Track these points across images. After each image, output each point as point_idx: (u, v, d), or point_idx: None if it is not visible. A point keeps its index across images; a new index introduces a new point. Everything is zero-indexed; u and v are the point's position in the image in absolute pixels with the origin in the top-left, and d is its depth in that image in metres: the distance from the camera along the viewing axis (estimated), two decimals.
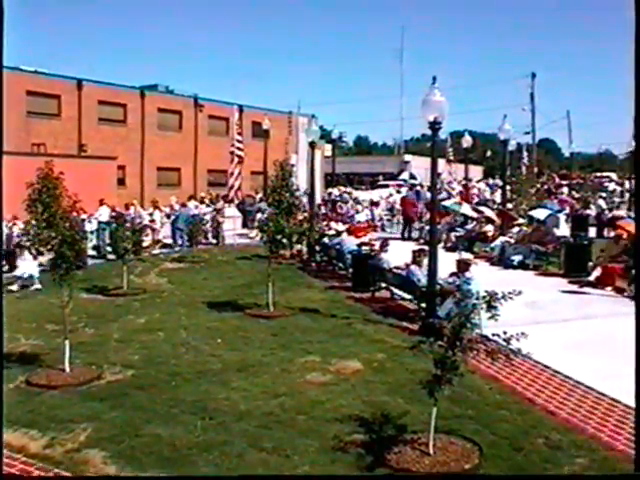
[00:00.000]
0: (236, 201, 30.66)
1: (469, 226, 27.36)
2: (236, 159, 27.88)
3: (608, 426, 8.74)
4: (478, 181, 60.65)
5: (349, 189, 49.79)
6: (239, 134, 28.96)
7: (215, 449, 8.07)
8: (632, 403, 8.98)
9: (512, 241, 23.05)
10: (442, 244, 24.77)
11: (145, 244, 20.77)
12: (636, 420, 6.67)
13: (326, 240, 22.51)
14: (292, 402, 9.63)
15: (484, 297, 7.41)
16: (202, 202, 31.24)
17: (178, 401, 9.71)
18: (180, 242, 26.85)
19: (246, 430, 8.63)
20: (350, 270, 19.58)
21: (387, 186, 54.23)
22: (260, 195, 34.88)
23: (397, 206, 38.60)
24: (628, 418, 8.83)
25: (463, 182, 44.41)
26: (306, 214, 19.11)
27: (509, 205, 30.15)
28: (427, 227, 23.75)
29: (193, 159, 49.64)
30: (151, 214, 28.47)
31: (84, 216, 22.97)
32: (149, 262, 22.54)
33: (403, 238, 29.29)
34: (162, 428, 8.69)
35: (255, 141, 43.70)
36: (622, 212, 33.02)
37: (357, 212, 34.71)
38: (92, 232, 24.86)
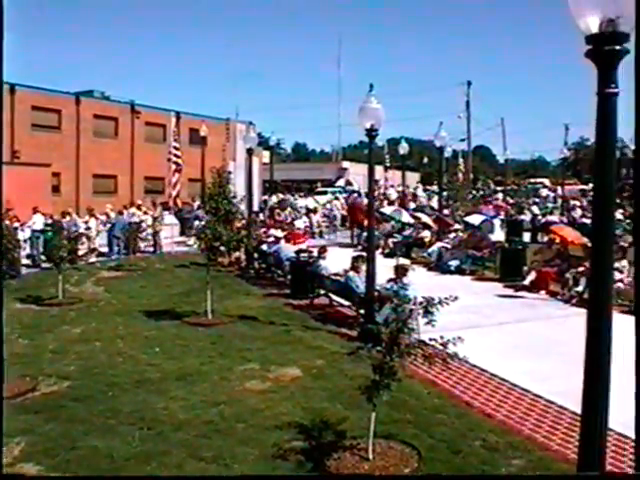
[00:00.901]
0: (175, 209, 30.44)
1: (407, 232, 27.62)
2: (173, 166, 27.71)
3: (543, 427, 8.91)
4: (415, 187, 61.20)
5: (295, 195, 49.79)
6: (176, 141, 28.80)
7: (153, 460, 7.97)
8: (566, 404, 9.24)
9: (449, 246, 23.37)
10: (380, 250, 24.99)
11: (81, 252, 20.45)
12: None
13: (264, 247, 22.48)
14: (231, 410, 9.58)
15: (421, 303, 7.50)
16: (139, 209, 30.91)
17: (115, 412, 9.57)
18: (117, 250, 26.52)
19: (185, 440, 8.56)
20: (288, 277, 19.59)
21: (325, 193, 54.37)
22: (198, 202, 34.67)
23: (336, 212, 38.79)
24: (562, 419, 9.03)
25: (400, 188, 44.79)
26: (244, 221, 19.03)
27: (446, 211, 30.56)
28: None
29: (130, 166, 49.05)
30: (87, 222, 28.05)
31: (17, 224, 22.54)
32: (85, 271, 22.18)
33: (354, 245, 29.14)
34: (99, 440, 8.55)
35: (192, 148, 43.36)
36: (555, 217, 33.78)
37: (296, 218, 34.71)
38: (25, 240, 24.36)
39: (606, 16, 4.60)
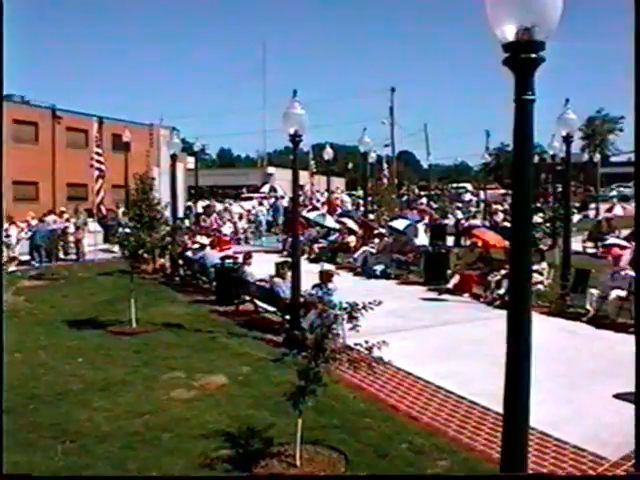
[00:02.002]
0: (99, 215, 29.92)
1: (332, 237, 27.71)
2: (96, 172, 27.24)
3: (468, 428, 9.04)
4: (341, 192, 61.48)
5: (229, 201, 49.41)
6: (99, 147, 28.32)
7: (76, 474, 7.80)
8: (489, 405, 9.39)
9: (374, 251, 23.53)
10: (306, 256, 25.03)
11: None
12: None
13: (189, 254, 22.28)
14: (157, 420, 9.45)
15: (345, 308, 7.53)
16: (61, 216, 30.29)
17: (37, 425, 9.34)
18: (38, 259, 25.93)
19: (109, 452, 8.40)
20: (214, 284, 19.46)
21: (251, 198, 54.18)
22: (122, 209, 34.14)
23: (262, 218, 38.71)
24: (486, 419, 9.17)
25: (326, 194, 44.96)
26: (168, 228, 18.83)
27: (371, 216, 30.79)
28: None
29: (51, 172, 48.03)
30: (7, 230, 27.33)
31: None
32: (5, 280, 21.61)
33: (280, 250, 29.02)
34: (20, 455, 8.30)
35: (116, 154, 42.65)
36: (477, 221, 34.37)
37: (221, 225, 34.48)
38: None
39: (522, 25, 4.71)
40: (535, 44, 4.75)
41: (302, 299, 13.40)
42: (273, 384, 10.66)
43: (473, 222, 33.33)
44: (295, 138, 13.28)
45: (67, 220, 29.71)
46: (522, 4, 4.68)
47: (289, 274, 14.43)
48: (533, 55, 4.76)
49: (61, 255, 27.78)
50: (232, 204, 45.85)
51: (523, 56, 4.75)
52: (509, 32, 4.74)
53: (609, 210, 34.15)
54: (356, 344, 7.73)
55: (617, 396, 10.11)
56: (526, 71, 4.82)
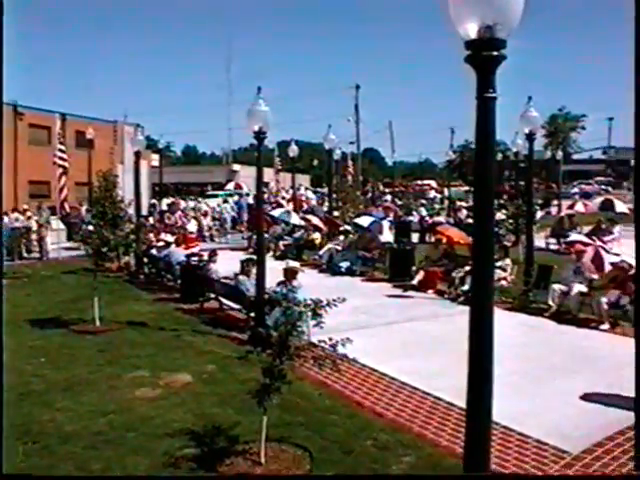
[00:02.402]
0: (62, 213, 29.62)
1: (297, 234, 27.72)
2: (60, 170, 26.97)
3: (432, 423, 9.10)
4: (305, 189, 61.56)
5: (198, 198, 49.16)
6: (62, 144, 28.03)
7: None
8: (454, 400, 9.45)
9: (339, 248, 23.57)
10: (271, 253, 25.04)
11: None
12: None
13: (154, 252, 22.14)
14: (121, 419, 9.38)
15: (309, 305, 7.53)
16: (23, 214, 29.95)
17: None
18: None
19: (73, 452, 8.31)
20: (179, 281, 19.36)
21: (216, 196, 54.01)
22: (85, 207, 33.85)
23: (227, 215, 38.58)
24: (451, 415, 9.24)
25: (291, 191, 44.98)
26: (132, 226, 18.70)
27: (336, 213, 30.85)
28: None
29: (13, 170, 47.40)
30: None
31: None
32: None
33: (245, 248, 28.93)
34: None
35: (79, 151, 42.30)
36: (442, 218, 34.60)
37: (187, 222, 34.30)
38: None
39: (484, 23, 4.73)
40: (497, 42, 4.77)
41: (267, 296, 13.37)
42: (238, 382, 10.63)
43: (437, 219, 33.57)
44: (259, 135, 13.24)
45: (29, 218, 29.39)
46: (484, 2, 4.70)
47: (254, 271, 14.41)
48: (495, 53, 4.78)
49: (24, 254, 27.47)
50: (201, 201, 45.77)
51: (485, 54, 4.77)
52: (471, 30, 4.76)
53: (571, 207, 34.53)
54: (320, 341, 7.73)
55: (578, 390, 10.25)
56: (488, 69, 4.84)
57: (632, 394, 9.95)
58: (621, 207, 31.25)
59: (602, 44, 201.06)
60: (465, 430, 5.50)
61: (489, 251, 5.29)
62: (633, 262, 14.66)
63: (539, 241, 26.08)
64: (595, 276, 15.13)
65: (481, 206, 5.21)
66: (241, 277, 15.31)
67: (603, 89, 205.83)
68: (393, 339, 13.61)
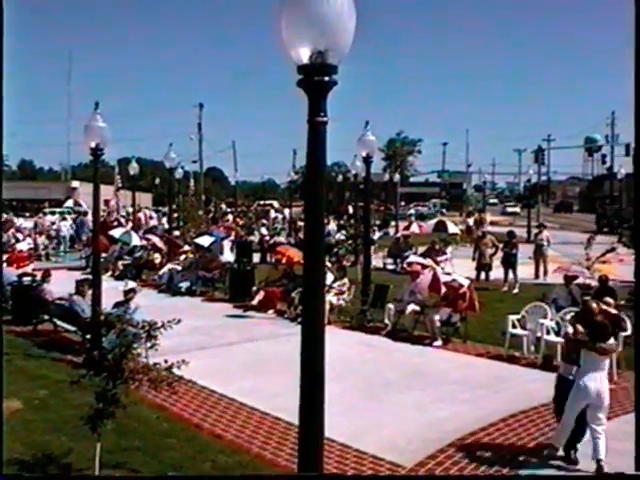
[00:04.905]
0: None
1: (137, 254, 27.18)
2: None
3: (271, 444, 9.17)
4: (147, 208, 60.48)
5: (39, 214, 47.10)
6: None
7: None
8: (292, 420, 9.44)
9: (179, 268, 23.31)
10: (110, 273, 24.46)
11: None
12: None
13: None
14: None
15: (144, 327, 7.41)
16: None
17: None
18: None
19: None
20: (10, 303, 18.49)
21: (53, 213, 52.13)
22: None
23: (65, 233, 37.26)
24: (289, 434, 9.26)
25: (131, 209, 44.11)
26: None
27: (177, 232, 30.49)
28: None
29: None
30: None
31: None
32: None
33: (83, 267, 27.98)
34: None
35: None
36: (282, 238, 34.86)
37: (18, 240, 32.80)
38: None
39: (316, 48, 4.82)
40: (328, 67, 4.86)
41: (104, 317, 13.01)
42: (72, 407, 10.24)
43: (278, 239, 33.79)
44: (97, 152, 12.96)
45: None
46: (316, 28, 4.77)
47: (90, 292, 14.01)
48: (326, 78, 4.88)
49: None
50: (42, 217, 44.06)
51: (316, 79, 4.85)
52: (303, 54, 4.84)
53: (407, 228, 35.69)
54: (156, 364, 7.61)
55: (412, 405, 10.59)
56: (319, 93, 4.93)
57: (461, 407, 10.45)
58: (453, 228, 32.59)
59: (440, 70, 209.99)
60: (298, 448, 5.52)
61: (320, 271, 5.34)
62: (464, 281, 15.37)
63: (377, 261, 26.82)
64: (428, 296, 15.65)
65: (312, 228, 5.25)
66: (76, 298, 14.82)
67: (439, 115, 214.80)
68: (233, 359, 13.58)
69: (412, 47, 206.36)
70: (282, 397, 10.54)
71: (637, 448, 7.16)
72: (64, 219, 43.41)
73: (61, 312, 15.37)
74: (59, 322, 15.58)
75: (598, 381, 8.37)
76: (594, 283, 15.72)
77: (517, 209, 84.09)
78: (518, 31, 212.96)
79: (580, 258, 19.63)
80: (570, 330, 9.05)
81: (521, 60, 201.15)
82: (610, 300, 11.15)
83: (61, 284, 17.58)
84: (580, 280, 15.75)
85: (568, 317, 11.23)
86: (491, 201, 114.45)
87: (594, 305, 9.28)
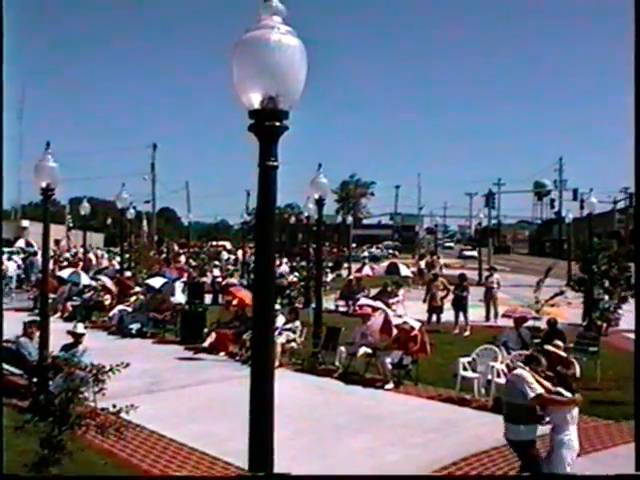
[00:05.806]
0: None
1: (87, 295, 26.83)
2: None
3: None
4: (98, 248, 59.87)
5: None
6: None
7: None
8: (244, 465, 9.38)
9: (130, 309, 23.07)
10: (59, 314, 24.09)
11: None
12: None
13: None
14: None
15: (91, 370, 7.30)
16: None
17: None
18: None
19: None
20: None
21: (2, 253, 51.15)
22: None
23: (12, 274, 36.70)
24: None
25: (82, 250, 43.63)
26: None
27: (128, 273, 30.21)
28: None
29: None
30: None
31: None
32: None
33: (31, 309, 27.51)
34: None
35: None
36: (234, 280, 34.71)
37: None
38: None
39: (267, 93, 4.88)
40: (279, 112, 4.93)
41: (51, 360, 12.78)
42: (16, 454, 9.97)
43: (230, 280, 33.65)
44: (47, 192, 12.85)
45: None
46: (267, 74, 4.85)
47: (38, 334, 13.76)
48: (277, 123, 4.94)
49: None
50: None
51: (267, 124, 4.91)
52: (255, 100, 4.90)
53: (359, 270, 35.82)
54: (103, 409, 7.49)
55: (364, 449, 10.55)
56: (270, 138, 4.98)
57: (413, 451, 10.45)
58: (405, 271, 32.81)
59: (393, 114, 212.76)
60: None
61: (269, 311, 5.32)
62: (415, 324, 15.46)
63: (329, 303, 26.83)
64: (379, 339, 15.70)
65: (261, 269, 5.26)
66: (22, 340, 14.55)
67: (392, 158, 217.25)
68: (183, 403, 13.40)
69: (365, 92, 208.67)
70: (233, 441, 10.39)
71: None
72: (10, 259, 42.71)
73: (7, 354, 15.05)
74: (5, 365, 15.24)
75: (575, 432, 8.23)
76: (543, 325, 15.88)
77: (475, 253, 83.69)
78: (469, 80, 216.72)
79: (530, 301, 19.86)
80: (530, 388, 8.44)
81: (472, 106, 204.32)
82: (559, 343, 11.29)
83: (8, 326, 17.21)
84: (530, 323, 15.89)
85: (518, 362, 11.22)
86: (447, 244, 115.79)
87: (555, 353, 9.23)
